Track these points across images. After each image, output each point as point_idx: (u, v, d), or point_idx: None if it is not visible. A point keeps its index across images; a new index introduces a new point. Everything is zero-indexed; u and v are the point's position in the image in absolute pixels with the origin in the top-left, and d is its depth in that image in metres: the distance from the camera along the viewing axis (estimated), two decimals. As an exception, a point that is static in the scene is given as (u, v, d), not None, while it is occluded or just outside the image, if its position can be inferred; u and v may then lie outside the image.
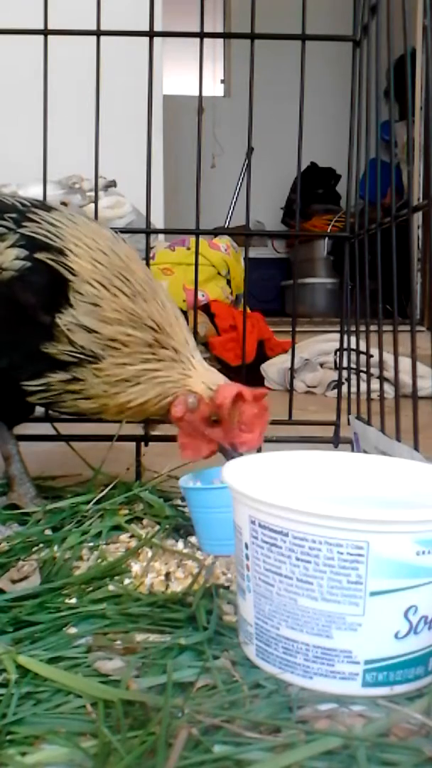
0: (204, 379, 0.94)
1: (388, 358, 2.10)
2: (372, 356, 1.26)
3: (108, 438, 1.18)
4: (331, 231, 4.90)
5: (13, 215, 0.94)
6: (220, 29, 5.92)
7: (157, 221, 3.26)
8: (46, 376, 0.92)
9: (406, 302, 1.34)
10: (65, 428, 1.25)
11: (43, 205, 0.99)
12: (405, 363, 1.02)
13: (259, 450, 1.10)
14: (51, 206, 1.00)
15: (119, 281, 0.93)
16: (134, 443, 1.26)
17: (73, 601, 0.75)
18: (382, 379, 1.35)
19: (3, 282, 0.90)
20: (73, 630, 0.69)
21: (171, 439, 1.03)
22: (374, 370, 1.84)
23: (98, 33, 1.27)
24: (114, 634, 0.68)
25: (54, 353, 0.90)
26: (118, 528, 0.97)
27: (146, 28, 1.26)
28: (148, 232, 1.33)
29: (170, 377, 0.93)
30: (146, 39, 1.26)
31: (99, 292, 0.91)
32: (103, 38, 1.27)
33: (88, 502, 1.02)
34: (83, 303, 0.91)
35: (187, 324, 0.99)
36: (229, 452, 0.95)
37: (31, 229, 0.93)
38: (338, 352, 1.49)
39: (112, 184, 3.09)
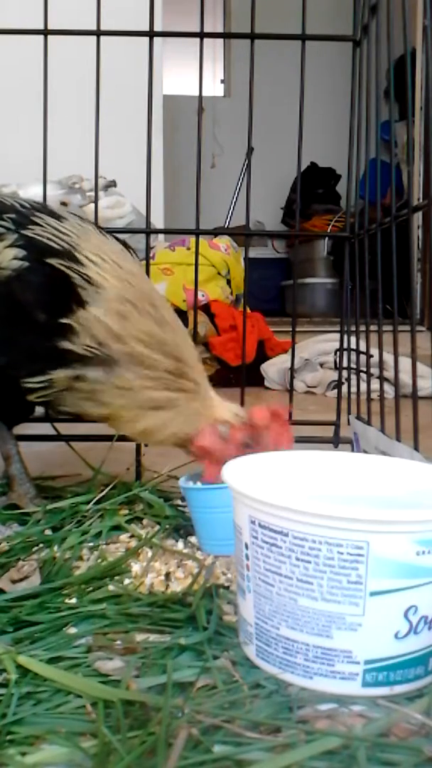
0: (228, 407, 0.94)
1: (388, 358, 2.10)
2: (372, 356, 1.26)
3: (108, 438, 1.18)
4: (331, 231, 4.90)
5: (12, 216, 0.94)
6: (220, 29, 5.92)
7: (157, 221, 3.26)
8: (48, 373, 0.92)
9: (406, 302, 1.34)
10: (65, 428, 1.25)
11: (51, 212, 0.98)
12: (405, 363, 1.02)
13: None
14: (60, 214, 0.99)
15: (148, 305, 0.92)
16: (134, 443, 1.26)
17: (73, 601, 0.75)
18: (382, 379, 1.35)
19: (0, 281, 0.90)
20: (73, 630, 0.69)
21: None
22: (374, 370, 1.84)
23: (98, 33, 1.27)
24: (114, 634, 0.68)
25: (72, 348, 0.90)
26: (118, 528, 0.97)
27: (146, 28, 1.26)
28: (148, 232, 1.33)
29: (193, 408, 0.93)
30: (146, 39, 1.26)
31: (127, 307, 0.91)
32: (103, 38, 1.27)
33: (88, 502, 1.02)
34: (109, 310, 0.90)
35: (187, 325, 0.99)
36: None
37: (34, 232, 0.92)
38: (338, 352, 1.49)
39: (112, 184, 3.09)
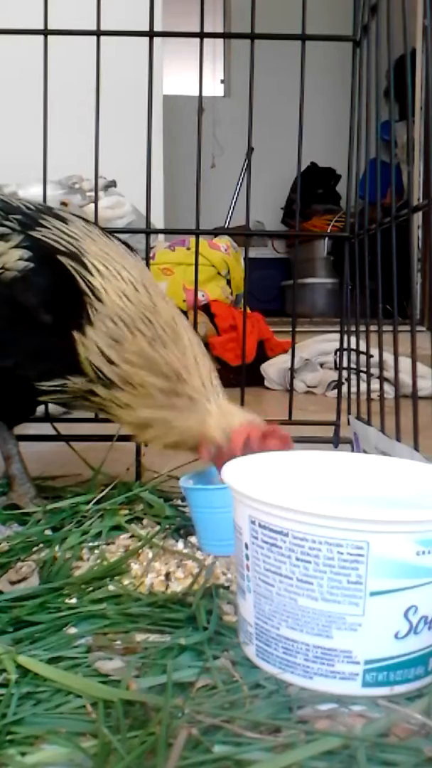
0: (221, 424, 0.92)
1: (388, 358, 2.10)
2: (372, 356, 1.26)
3: (108, 438, 1.18)
4: (331, 231, 4.90)
5: (19, 217, 0.94)
6: (220, 29, 5.92)
7: (157, 221, 3.26)
8: (65, 378, 0.92)
9: (406, 302, 1.34)
10: (65, 428, 1.25)
11: (57, 215, 0.98)
12: (405, 363, 1.02)
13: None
14: (67, 217, 0.99)
15: (142, 323, 0.92)
16: (134, 443, 1.26)
17: (73, 601, 0.75)
18: (382, 379, 1.35)
19: (5, 282, 0.90)
20: (73, 630, 0.69)
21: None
22: (374, 370, 1.84)
23: (98, 33, 1.27)
24: (114, 634, 0.68)
25: (81, 358, 0.91)
26: (118, 528, 0.97)
27: (146, 28, 1.26)
28: (148, 232, 1.33)
29: (187, 426, 0.92)
30: (146, 39, 1.26)
31: (121, 330, 0.91)
32: (103, 38, 1.27)
33: (88, 502, 1.02)
34: (103, 333, 0.90)
35: (212, 370, 0.98)
36: None
37: (42, 234, 0.92)
38: (338, 352, 1.49)
39: (112, 184, 3.09)
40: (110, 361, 0.91)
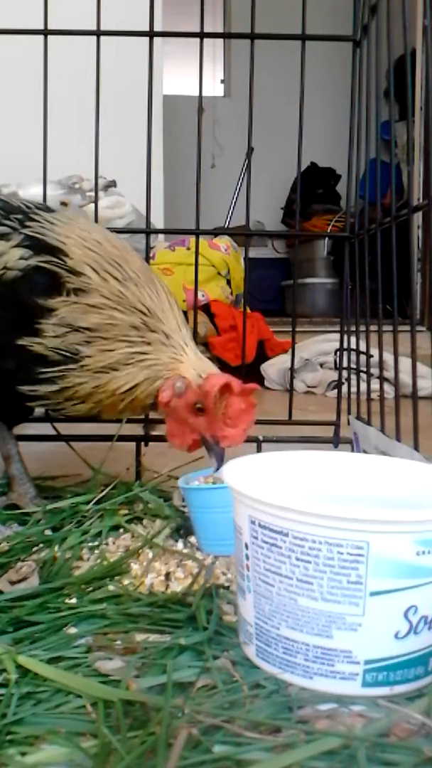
0: (195, 365, 0.91)
1: (388, 358, 2.10)
2: (372, 356, 1.26)
3: (108, 438, 1.18)
4: (331, 231, 4.90)
5: (19, 216, 0.94)
6: (220, 29, 5.91)
7: (157, 221, 3.26)
8: (36, 386, 0.92)
9: (406, 302, 1.34)
10: (65, 428, 1.25)
11: (46, 207, 1.00)
12: (405, 363, 1.02)
13: (258, 450, 1.11)
14: (51, 208, 1.00)
15: (111, 267, 0.92)
16: (134, 443, 1.26)
17: (73, 601, 0.75)
18: (382, 379, 1.35)
19: (7, 282, 0.90)
20: (73, 630, 0.69)
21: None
22: (374, 370, 1.84)
23: (98, 33, 1.27)
24: (114, 634, 0.68)
25: (40, 351, 0.90)
26: (118, 528, 0.97)
27: (146, 28, 1.26)
28: (148, 232, 1.33)
29: (159, 360, 0.91)
30: (146, 39, 1.26)
31: (90, 278, 0.90)
32: (103, 38, 1.27)
33: (88, 502, 1.02)
34: (69, 301, 0.89)
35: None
36: (212, 445, 0.91)
37: (33, 229, 0.93)
38: (338, 352, 1.49)
39: (112, 184, 3.09)
40: (74, 328, 0.89)
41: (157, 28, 1.29)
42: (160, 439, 1.25)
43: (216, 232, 4.12)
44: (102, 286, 0.90)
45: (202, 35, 1.29)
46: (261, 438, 1.27)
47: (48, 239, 0.92)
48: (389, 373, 2.35)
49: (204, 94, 1.36)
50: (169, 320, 0.93)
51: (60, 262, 0.91)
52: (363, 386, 1.27)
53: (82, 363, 0.90)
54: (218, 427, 0.90)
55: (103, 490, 1.05)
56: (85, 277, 0.90)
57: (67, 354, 0.90)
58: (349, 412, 1.34)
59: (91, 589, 0.79)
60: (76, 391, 0.92)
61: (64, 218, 0.96)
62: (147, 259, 1.29)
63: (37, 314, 0.90)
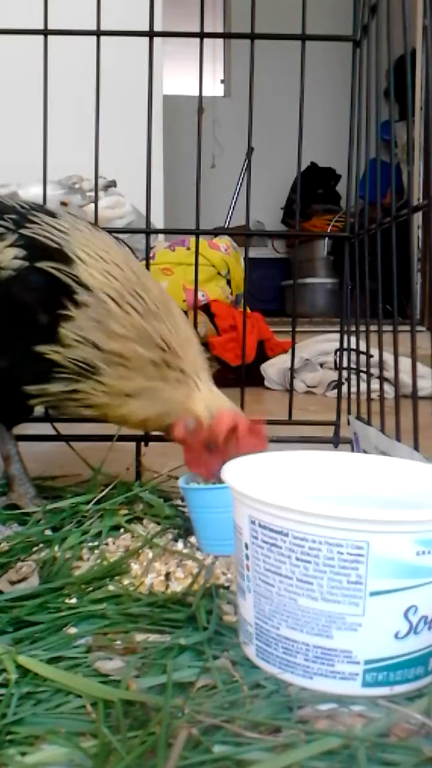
0: (207, 402, 0.93)
1: (388, 358, 2.10)
2: (372, 356, 1.26)
3: (108, 438, 1.18)
4: (331, 231, 4.90)
5: (13, 216, 0.94)
6: (220, 29, 5.92)
7: (157, 221, 3.26)
8: (43, 384, 0.92)
9: (406, 302, 1.34)
10: (65, 428, 1.25)
11: (48, 211, 0.99)
12: (405, 363, 1.02)
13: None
14: (56, 212, 0.99)
15: (132, 297, 0.92)
16: (134, 443, 1.26)
17: (73, 601, 0.75)
18: (382, 379, 1.35)
19: (1, 281, 0.90)
20: (73, 630, 0.69)
21: (171, 439, 1.03)
22: (374, 370, 1.84)
23: (98, 33, 1.27)
24: (114, 634, 0.68)
25: (57, 359, 0.90)
26: (118, 528, 0.97)
27: (146, 28, 1.26)
28: (148, 232, 1.33)
29: (173, 397, 0.93)
30: (146, 39, 1.26)
31: (109, 306, 0.91)
32: (103, 38, 1.27)
33: (88, 502, 1.02)
34: (88, 316, 0.90)
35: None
36: None
37: (32, 231, 0.92)
38: (338, 352, 1.49)
39: (112, 184, 3.09)
40: (94, 346, 0.90)
41: (157, 28, 1.29)
42: (160, 439, 1.25)
43: (216, 232, 4.12)
44: (123, 317, 0.91)
45: (202, 35, 1.29)
46: (261, 438, 1.26)
47: (50, 243, 0.92)
48: (389, 373, 2.35)
49: (204, 94, 1.36)
50: (186, 355, 0.94)
51: (67, 271, 0.90)
52: (363, 386, 1.27)
53: (99, 378, 0.91)
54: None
55: (103, 490, 1.05)
56: (104, 305, 0.90)
57: (84, 365, 0.90)
58: (349, 412, 1.34)
59: (91, 589, 0.78)
60: (87, 398, 0.93)
61: (75, 229, 0.96)
62: (147, 259, 1.29)
63: (34, 316, 0.90)
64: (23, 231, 0.92)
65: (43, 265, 0.90)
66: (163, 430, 0.97)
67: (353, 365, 1.35)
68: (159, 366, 0.92)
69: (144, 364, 0.91)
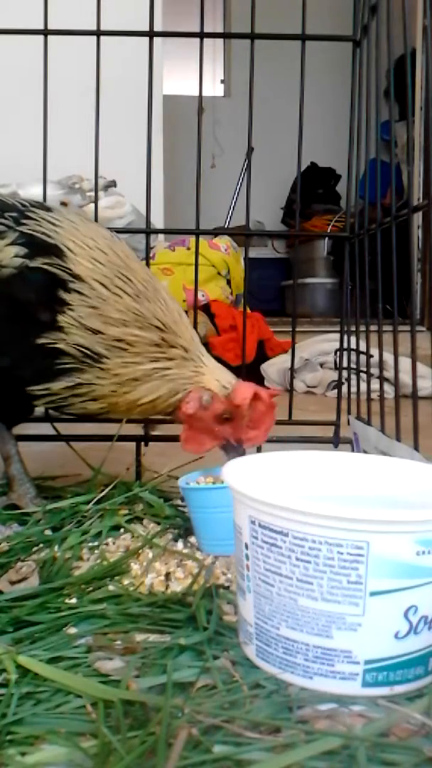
0: (217, 376, 0.95)
1: (388, 358, 2.10)
2: (372, 356, 1.26)
3: (108, 438, 1.18)
4: (331, 231, 4.90)
5: (14, 214, 0.95)
6: (220, 29, 5.91)
7: (157, 221, 3.26)
8: (47, 383, 0.92)
9: (406, 302, 1.34)
10: (65, 428, 1.25)
11: (42, 205, 1.00)
12: (405, 363, 1.02)
13: (259, 449, 1.11)
14: (50, 206, 1.00)
15: (121, 281, 0.93)
16: (134, 443, 1.26)
17: (73, 601, 0.75)
18: (382, 379, 1.35)
19: (2, 279, 0.90)
20: (73, 630, 0.69)
21: (171, 439, 1.03)
22: (374, 370, 1.84)
23: (98, 33, 1.27)
24: (114, 634, 0.68)
25: (62, 347, 0.90)
26: (118, 528, 0.97)
27: (146, 28, 1.26)
28: (148, 232, 1.33)
29: (182, 374, 0.94)
30: (146, 39, 1.26)
31: (100, 292, 0.91)
32: (103, 38, 1.27)
33: (88, 502, 1.02)
34: (84, 304, 0.91)
35: (191, 324, 0.99)
36: (230, 448, 0.96)
37: (30, 227, 0.93)
38: (338, 352, 1.49)
39: (112, 184, 3.09)
40: (94, 332, 0.91)
41: (157, 28, 1.29)
42: (160, 439, 1.25)
43: (216, 232, 4.12)
44: (116, 301, 0.92)
45: (202, 35, 1.29)
46: (261, 438, 1.26)
47: (46, 239, 0.92)
48: (389, 373, 2.35)
49: (204, 94, 1.36)
50: (183, 332, 0.96)
51: (62, 264, 0.91)
52: (363, 386, 1.27)
53: (103, 366, 0.91)
54: (243, 431, 0.95)
55: (103, 490, 1.05)
56: (96, 291, 0.91)
57: (86, 352, 0.91)
58: (349, 412, 1.34)
59: (91, 589, 0.79)
60: (92, 390, 0.93)
61: (65, 219, 0.96)
62: (147, 259, 1.29)
63: (35, 312, 0.90)
64: (22, 228, 0.93)
65: (41, 261, 0.91)
66: (168, 412, 0.97)
67: (353, 365, 1.35)
68: (161, 346, 0.93)
69: (146, 346, 0.92)
